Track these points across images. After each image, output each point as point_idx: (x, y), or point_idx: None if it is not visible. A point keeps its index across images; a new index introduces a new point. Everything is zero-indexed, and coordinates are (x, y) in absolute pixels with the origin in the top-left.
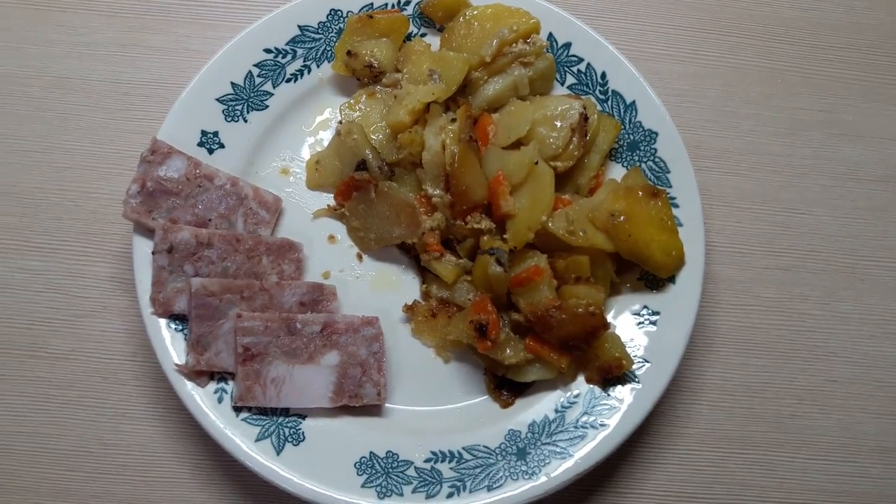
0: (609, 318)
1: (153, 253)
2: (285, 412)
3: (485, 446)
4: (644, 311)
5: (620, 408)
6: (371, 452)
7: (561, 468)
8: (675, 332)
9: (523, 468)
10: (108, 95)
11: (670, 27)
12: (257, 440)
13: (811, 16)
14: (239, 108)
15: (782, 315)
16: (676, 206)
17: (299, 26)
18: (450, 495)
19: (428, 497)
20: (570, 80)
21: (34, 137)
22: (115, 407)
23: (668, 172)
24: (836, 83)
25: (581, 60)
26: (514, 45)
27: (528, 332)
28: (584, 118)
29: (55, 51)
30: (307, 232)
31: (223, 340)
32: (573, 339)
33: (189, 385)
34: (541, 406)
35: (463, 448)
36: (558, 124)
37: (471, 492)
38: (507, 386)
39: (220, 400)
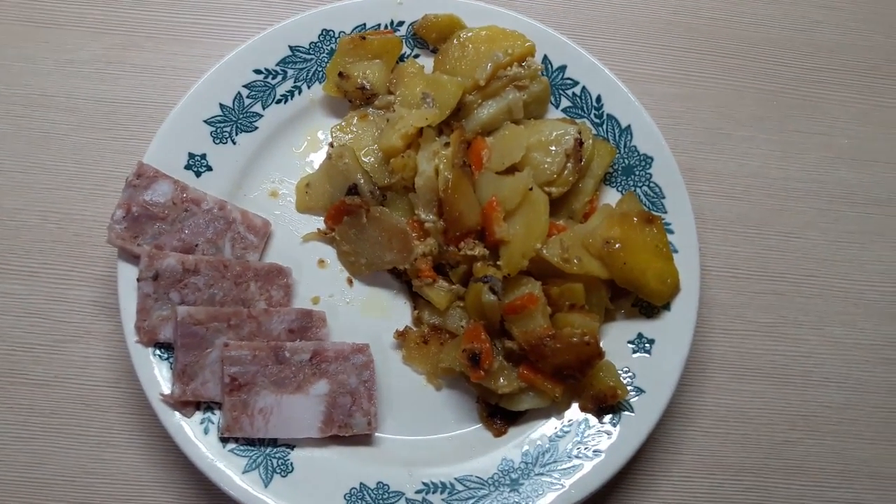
0: (603, 345)
1: (138, 280)
2: (273, 442)
3: (477, 477)
4: (638, 339)
5: (614, 436)
6: (361, 483)
7: (554, 499)
8: (670, 360)
9: (516, 499)
10: (93, 114)
11: (665, 48)
12: (245, 472)
13: (806, 38)
14: (228, 129)
15: (776, 340)
16: (671, 231)
17: (290, 46)
18: None
19: None
20: (565, 103)
21: (16, 157)
22: (98, 435)
23: (664, 198)
24: (833, 105)
25: (576, 84)
26: (508, 68)
27: (521, 359)
28: (580, 143)
29: (38, 68)
30: (296, 256)
31: (210, 370)
32: (567, 367)
33: (176, 415)
34: (535, 435)
35: (455, 479)
36: (553, 150)
37: None
38: (500, 414)
39: (206, 430)
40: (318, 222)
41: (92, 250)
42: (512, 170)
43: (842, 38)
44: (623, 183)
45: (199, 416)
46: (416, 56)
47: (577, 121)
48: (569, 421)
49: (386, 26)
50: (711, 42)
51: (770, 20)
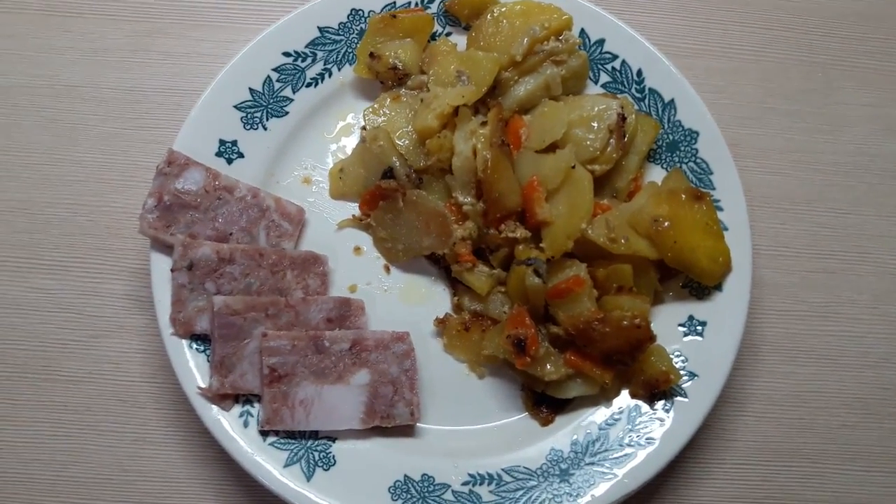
0: (653, 328)
1: (172, 270)
2: (314, 435)
3: (525, 467)
4: (690, 321)
5: (667, 423)
6: (405, 476)
7: (607, 489)
8: (724, 343)
9: (567, 490)
10: (120, 103)
11: (704, 22)
12: (286, 465)
13: (852, 7)
14: (258, 115)
15: (830, 320)
16: (720, 209)
17: (319, 28)
18: None
19: None
20: (605, 78)
21: (44, 150)
22: (135, 431)
23: (711, 174)
24: (881, 76)
25: (616, 57)
26: (545, 42)
27: (567, 345)
28: (622, 118)
29: (64, 58)
30: (332, 244)
31: (248, 361)
32: (617, 352)
33: (214, 409)
34: (583, 423)
35: (502, 470)
36: (595, 125)
37: None
38: (546, 403)
39: (245, 424)
40: (353, 208)
41: (123, 242)
42: (552, 148)
43: (889, 6)
44: (668, 159)
45: (237, 409)
46: (449, 34)
47: (619, 96)
48: (619, 408)
49: (417, 4)
50: (753, 13)
51: None
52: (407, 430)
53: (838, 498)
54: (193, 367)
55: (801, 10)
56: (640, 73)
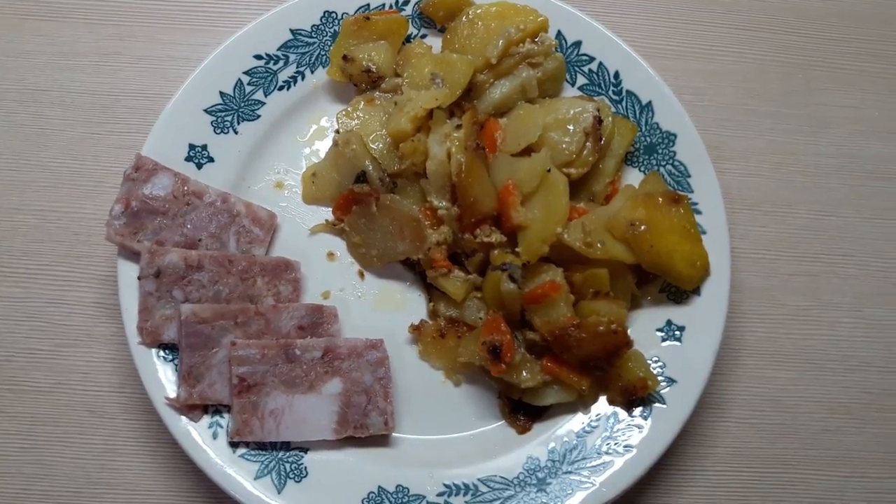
0: (630, 333)
1: (139, 278)
2: (286, 446)
3: (501, 477)
4: (668, 326)
5: (645, 430)
6: (379, 487)
7: (584, 498)
8: (703, 348)
9: (544, 499)
10: (90, 108)
11: (682, 22)
12: (257, 477)
13: (832, 7)
14: (229, 118)
15: (812, 324)
16: (699, 212)
17: (291, 30)
18: None
19: None
20: (582, 80)
21: (10, 155)
22: (104, 443)
23: (689, 177)
24: (862, 77)
25: (592, 59)
26: (521, 44)
27: (544, 351)
28: (599, 121)
29: (33, 62)
30: (304, 249)
31: (217, 370)
32: (594, 358)
33: (182, 420)
34: (561, 431)
35: (478, 480)
36: (571, 128)
37: None
38: (523, 410)
39: (215, 435)
40: (327, 213)
41: (92, 249)
42: (528, 151)
43: (871, 7)
44: (646, 162)
45: (206, 419)
46: (424, 36)
47: (595, 98)
48: (597, 415)
49: (391, 6)
50: (732, 14)
51: None
52: (381, 440)
53: None
54: (161, 377)
55: (779, 11)
56: (617, 75)
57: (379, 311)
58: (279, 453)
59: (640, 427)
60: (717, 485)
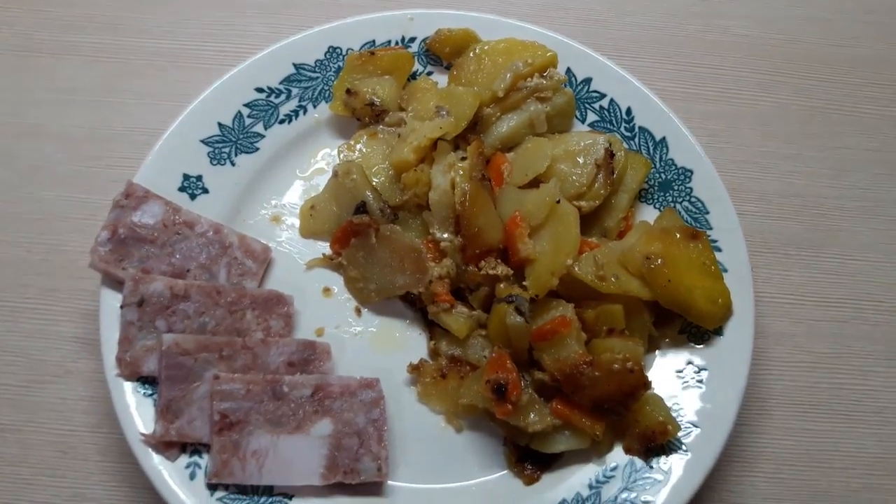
0: (648, 377)
1: (121, 307)
2: (269, 491)
3: None
4: (688, 369)
5: (667, 481)
6: None
7: None
8: (727, 391)
9: None
10: (87, 143)
11: (696, 65)
12: None
13: (850, 52)
14: (226, 150)
15: (842, 373)
16: (718, 249)
17: (294, 65)
18: None
19: None
20: (592, 117)
21: (2, 188)
22: (74, 486)
23: (707, 213)
24: (883, 121)
25: (603, 96)
26: (529, 78)
27: (554, 393)
28: (611, 154)
29: (32, 97)
30: (299, 284)
31: (197, 406)
32: (608, 400)
33: (156, 458)
34: (572, 481)
35: None
36: (581, 160)
37: None
38: (531, 458)
39: (192, 476)
40: (324, 248)
41: (77, 283)
42: (536, 183)
43: (885, 51)
44: (661, 199)
45: (184, 459)
46: (430, 73)
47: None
48: (613, 466)
49: (396, 43)
50: (746, 60)
51: (807, 36)
52: (374, 489)
53: None
54: (137, 412)
55: (795, 56)
56: (629, 111)
57: (376, 350)
58: (261, 498)
59: (660, 479)
60: None
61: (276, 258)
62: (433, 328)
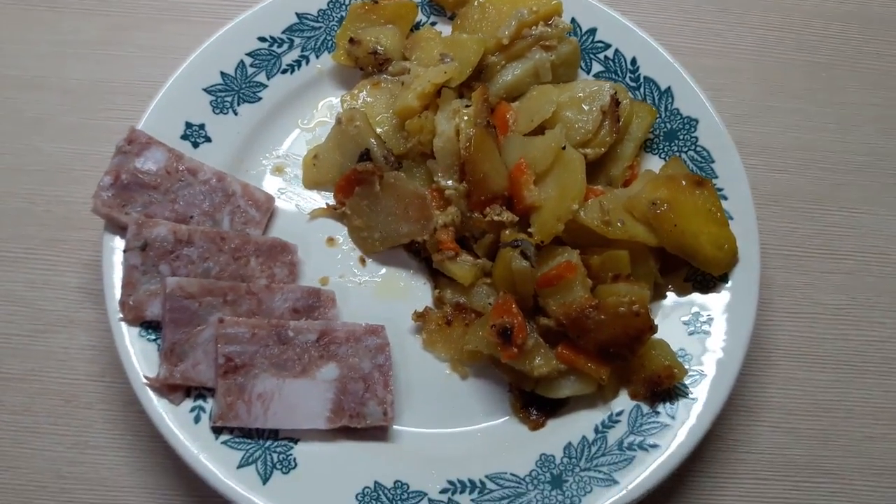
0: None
1: (125, 251)
2: (274, 435)
3: (512, 474)
4: (694, 317)
5: (674, 426)
6: (376, 482)
7: (605, 497)
8: (734, 337)
9: (559, 498)
10: (90, 95)
11: (700, 21)
12: (240, 466)
13: (853, 10)
14: (229, 99)
15: (849, 324)
16: (724, 197)
17: (297, 14)
18: None
19: None
20: (597, 67)
21: (4, 139)
22: (77, 434)
23: (713, 162)
24: (886, 77)
25: (608, 46)
26: (534, 27)
27: (559, 340)
28: (616, 102)
29: (34, 50)
30: (303, 235)
31: (202, 350)
32: (614, 344)
33: (159, 402)
34: (578, 426)
35: (486, 476)
36: (586, 107)
37: None
38: (536, 404)
39: (196, 419)
40: (328, 198)
41: (80, 234)
42: (541, 130)
43: (890, 10)
44: (666, 149)
45: (188, 403)
46: (434, 24)
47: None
48: (619, 410)
49: None
50: (750, 15)
51: None
52: (379, 433)
53: None
54: (140, 356)
55: (800, 13)
56: (634, 61)
57: (380, 299)
58: (266, 442)
59: (666, 423)
60: (752, 494)
61: (279, 209)
62: (438, 277)
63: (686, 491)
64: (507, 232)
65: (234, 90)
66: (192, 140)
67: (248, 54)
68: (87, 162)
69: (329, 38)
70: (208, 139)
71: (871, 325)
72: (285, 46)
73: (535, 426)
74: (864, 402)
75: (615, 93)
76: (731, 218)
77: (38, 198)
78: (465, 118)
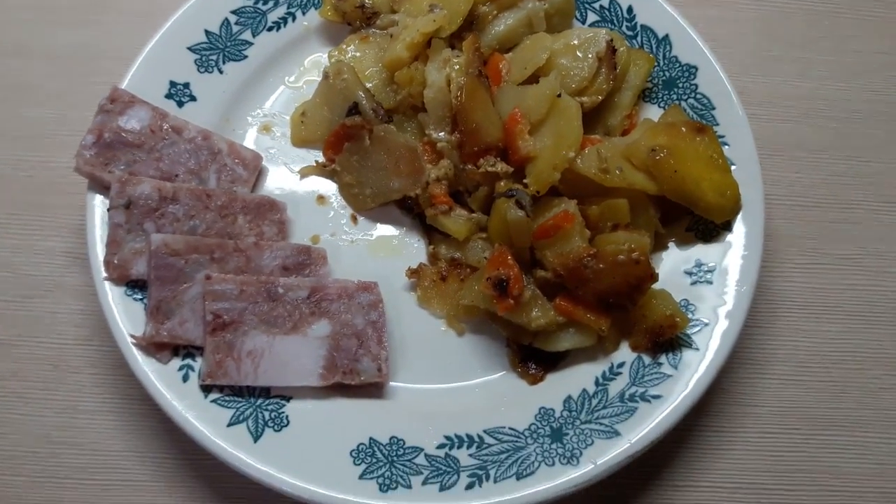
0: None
1: (108, 209)
2: (265, 393)
3: (511, 428)
4: (697, 267)
5: (677, 377)
6: (371, 439)
7: (607, 449)
8: (738, 286)
9: (560, 451)
10: (72, 60)
11: None
12: (230, 425)
13: None
14: (214, 58)
15: (857, 274)
16: (726, 144)
17: None
18: (469, 486)
19: (442, 489)
20: (592, 17)
21: None
22: (66, 399)
23: (713, 109)
24: (892, 25)
25: None
26: None
27: (557, 293)
28: (612, 48)
29: (17, 16)
30: (292, 194)
31: (189, 308)
32: (614, 294)
33: (146, 361)
34: (578, 379)
35: (484, 431)
36: (581, 54)
37: (496, 481)
38: (535, 358)
39: (185, 378)
40: (317, 156)
41: (65, 199)
42: (535, 79)
43: None
44: (665, 97)
45: (176, 362)
46: None
47: None
48: (620, 362)
49: None
50: None
51: None
52: (374, 390)
53: (882, 470)
54: (126, 315)
55: None
56: (630, 9)
57: (373, 257)
58: (257, 400)
59: (669, 374)
60: (760, 448)
61: (267, 168)
62: (431, 233)
63: (692, 445)
64: (501, 183)
65: (219, 48)
66: (177, 99)
67: (233, 12)
68: (72, 127)
69: None
70: (193, 98)
71: (879, 274)
72: (271, 3)
73: (534, 381)
74: (875, 352)
75: (611, 39)
76: (734, 164)
77: (21, 163)
78: (456, 67)
